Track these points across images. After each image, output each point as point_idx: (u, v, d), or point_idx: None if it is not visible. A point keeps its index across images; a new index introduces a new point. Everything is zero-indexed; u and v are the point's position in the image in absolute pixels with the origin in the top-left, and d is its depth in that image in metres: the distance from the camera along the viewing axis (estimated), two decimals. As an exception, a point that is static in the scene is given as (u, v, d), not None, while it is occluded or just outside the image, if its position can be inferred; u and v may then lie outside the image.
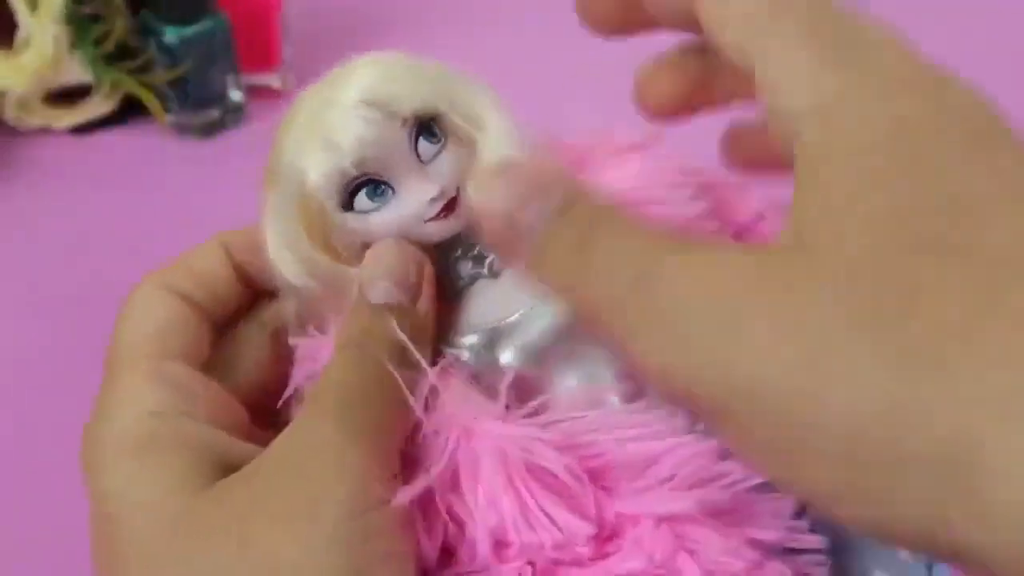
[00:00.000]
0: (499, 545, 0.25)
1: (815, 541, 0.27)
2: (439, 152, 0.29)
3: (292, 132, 0.28)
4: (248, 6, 0.56)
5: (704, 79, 0.28)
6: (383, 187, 0.28)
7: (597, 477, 0.26)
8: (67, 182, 0.54)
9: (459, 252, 0.29)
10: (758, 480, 0.26)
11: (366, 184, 0.28)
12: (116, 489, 0.25)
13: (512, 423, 0.26)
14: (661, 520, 0.25)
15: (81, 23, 0.53)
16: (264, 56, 0.58)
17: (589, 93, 0.61)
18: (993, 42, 0.65)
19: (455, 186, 0.28)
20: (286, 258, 0.28)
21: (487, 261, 0.29)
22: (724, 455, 0.27)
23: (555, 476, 0.25)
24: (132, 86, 0.55)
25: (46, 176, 0.55)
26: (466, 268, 0.29)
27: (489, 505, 0.25)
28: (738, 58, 0.22)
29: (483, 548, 0.25)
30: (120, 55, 0.55)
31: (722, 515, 0.26)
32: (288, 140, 0.28)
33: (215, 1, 0.54)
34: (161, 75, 0.54)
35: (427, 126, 0.29)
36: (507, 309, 0.28)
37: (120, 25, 0.54)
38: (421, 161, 0.28)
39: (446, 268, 0.29)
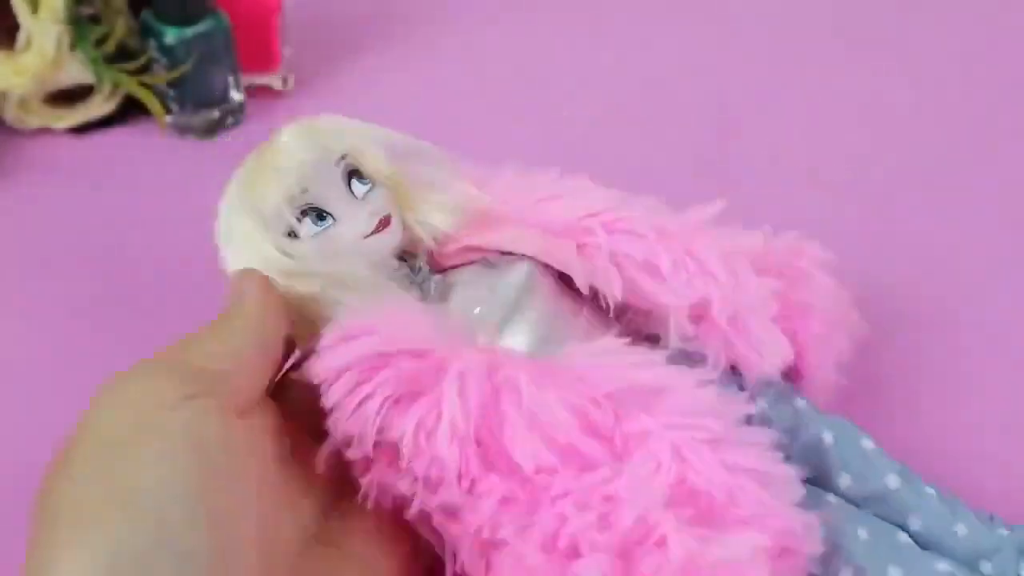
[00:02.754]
0: (542, 470, 0.29)
1: (788, 470, 0.31)
2: (370, 190, 0.35)
3: (242, 179, 0.35)
4: (248, 7, 0.56)
5: None
6: (326, 215, 0.34)
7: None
8: (67, 182, 0.55)
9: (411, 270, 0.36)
10: (746, 413, 0.31)
11: (310, 212, 0.34)
12: None
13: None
14: (665, 439, 0.30)
15: (82, 24, 0.54)
16: (264, 57, 0.58)
17: (588, 93, 0.61)
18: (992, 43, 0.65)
19: (387, 211, 0.35)
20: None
21: (421, 272, 0.36)
22: (718, 389, 0.32)
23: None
24: (132, 87, 0.55)
25: (46, 176, 0.55)
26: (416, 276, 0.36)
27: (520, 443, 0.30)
28: None
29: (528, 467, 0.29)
30: (121, 56, 0.55)
31: (713, 442, 0.30)
32: (237, 186, 0.35)
33: (215, 2, 0.54)
34: (161, 76, 0.54)
35: (357, 172, 0.35)
36: (473, 303, 0.34)
37: (121, 26, 0.54)
38: (355, 197, 0.34)
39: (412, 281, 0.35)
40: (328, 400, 0.30)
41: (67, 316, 0.46)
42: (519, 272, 0.34)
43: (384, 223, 0.34)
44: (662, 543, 0.28)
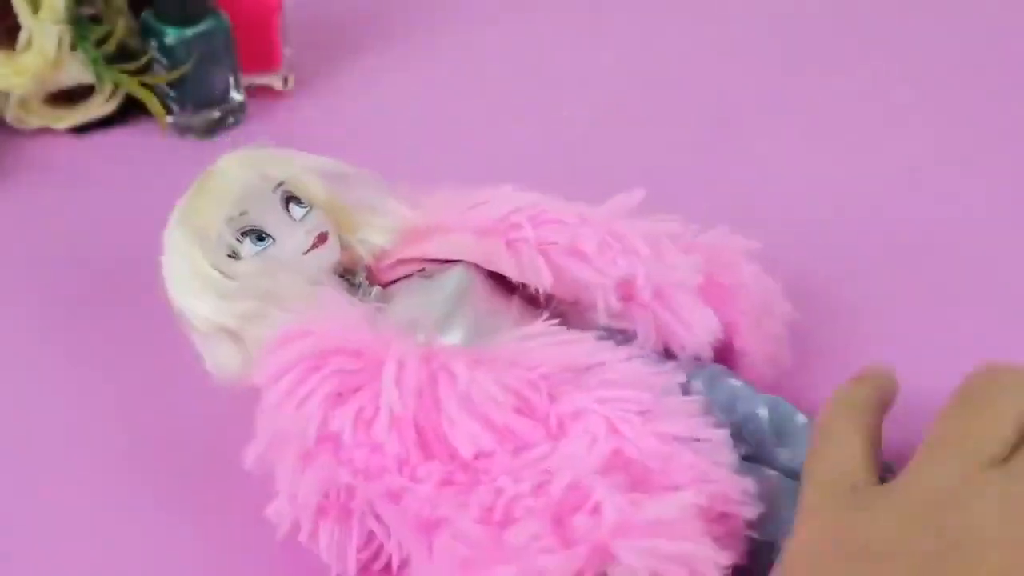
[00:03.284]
0: (480, 455, 0.31)
1: (720, 434, 0.32)
2: (308, 213, 0.37)
3: (184, 205, 0.38)
4: (248, 7, 0.56)
5: None
6: (265, 236, 0.37)
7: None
8: (67, 182, 0.55)
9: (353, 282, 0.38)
10: (677, 383, 0.33)
11: (250, 233, 0.36)
12: None
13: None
14: (598, 413, 0.31)
15: (82, 24, 0.54)
16: (264, 57, 0.58)
17: (588, 93, 0.61)
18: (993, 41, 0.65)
19: (324, 228, 0.37)
20: (205, 307, 0.36)
21: (362, 287, 0.38)
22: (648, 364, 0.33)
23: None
24: (133, 87, 0.55)
25: (46, 176, 0.55)
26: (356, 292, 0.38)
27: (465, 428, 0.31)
28: None
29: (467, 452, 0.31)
30: (121, 56, 0.55)
31: (644, 413, 0.31)
32: (180, 213, 0.38)
33: (215, 2, 0.54)
34: (162, 76, 0.54)
35: (294, 198, 0.37)
36: (411, 311, 0.36)
37: (121, 26, 0.54)
38: (293, 219, 0.37)
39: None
40: (270, 400, 0.31)
41: (67, 316, 0.46)
42: (453, 277, 0.36)
43: (321, 239, 0.37)
44: (597, 509, 0.29)
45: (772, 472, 0.34)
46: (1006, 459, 0.25)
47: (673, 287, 0.36)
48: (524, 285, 0.37)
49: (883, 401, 0.31)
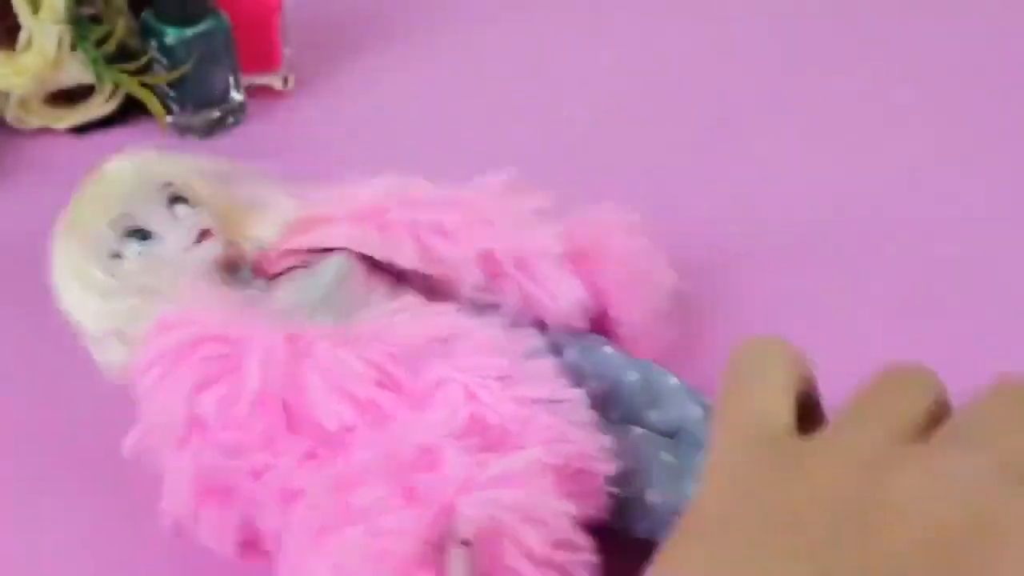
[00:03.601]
0: (343, 429, 0.32)
1: (576, 394, 0.33)
2: (192, 212, 0.39)
3: (70, 209, 0.40)
4: (248, 7, 0.56)
5: None
6: (149, 235, 0.38)
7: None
8: (67, 182, 0.54)
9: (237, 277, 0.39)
10: (535, 347, 0.34)
11: (134, 233, 0.38)
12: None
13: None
14: (458, 381, 0.32)
15: (82, 24, 0.54)
16: (264, 57, 0.58)
17: (588, 93, 0.61)
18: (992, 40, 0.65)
19: (208, 224, 0.39)
20: (88, 308, 0.38)
21: (247, 280, 0.39)
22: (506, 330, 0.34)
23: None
24: (133, 87, 0.55)
25: (46, 176, 0.55)
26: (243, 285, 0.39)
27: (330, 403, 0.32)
28: None
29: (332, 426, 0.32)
30: (121, 56, 0.55)
31: (503, 378, 0.33)
32: (65, 217, 0.39)
33: (215, 2, 0.54)
34: (162, 76, 0.54)
35: (179, 198, 0.39)
36: (290, 298, 0.38)
37: (121, 26, 0.54)
38: (177, 218, 0.38)
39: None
40: (145, 388, 0.33)
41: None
42: (332, 265, 0.38)
43: (205, 235, 0.38)
44: (444, 470, 0.30)
45: (638, 430, 0.35)
46: (923, 437, 0.24)
47: (536, 258, 0.38)
48: (410, 269, 0.38)
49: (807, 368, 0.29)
